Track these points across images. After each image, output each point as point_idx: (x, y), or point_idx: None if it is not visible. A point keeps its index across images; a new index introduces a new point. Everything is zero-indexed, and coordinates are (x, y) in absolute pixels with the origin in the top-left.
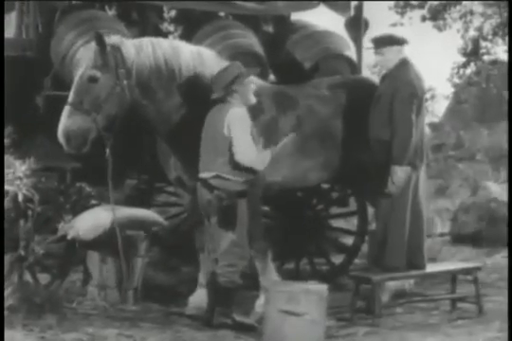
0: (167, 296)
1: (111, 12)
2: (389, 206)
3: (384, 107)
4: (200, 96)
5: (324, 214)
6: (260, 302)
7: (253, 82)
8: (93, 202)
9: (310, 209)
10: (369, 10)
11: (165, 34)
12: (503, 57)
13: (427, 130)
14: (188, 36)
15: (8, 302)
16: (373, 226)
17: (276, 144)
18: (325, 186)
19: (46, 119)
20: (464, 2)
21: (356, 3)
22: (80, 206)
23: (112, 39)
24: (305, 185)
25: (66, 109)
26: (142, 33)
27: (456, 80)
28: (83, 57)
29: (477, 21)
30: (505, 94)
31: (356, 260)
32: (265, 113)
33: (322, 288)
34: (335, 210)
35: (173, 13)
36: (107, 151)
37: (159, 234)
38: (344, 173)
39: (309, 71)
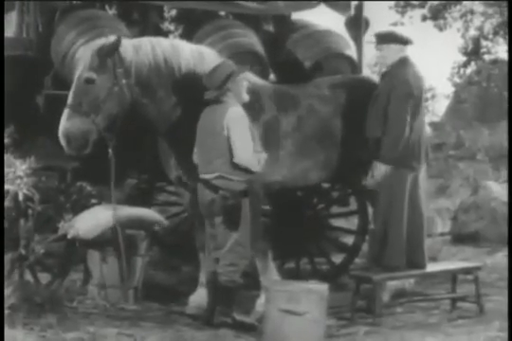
0: (167, 296)
1: (111, 12)
2: (386, 205)
3: (380, 105)
4: (200, 95)
5: (325, 213)
6: (260, 301)
7: (247, 80)
8: (93, 201)
9: (310, 209)
10: (369, 10)
11: (166, 33)
12: (504, 56)
13: (427, 129)
14: (188, 35)
15: (8, 301)
16: (373, 226)
17: (277, 144)
18: (326, 185)
19: (47, 119)
20: (464, 1)
21: (356, 2)
22: (80, 206)
23: (109, 39)
24: (306, 184)
25: (66, 111)
26: (143, 33)
27: (457, 80)
28: (82, 57)
29: (477, 20)
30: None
31: (357, 260)
32: (266, 112)
33: (323, 287)
34: (335, 210)
35: (173, 13)
36: (110, 151)
37: (160, 233)
38: (345, 173)
39: (310, 70)
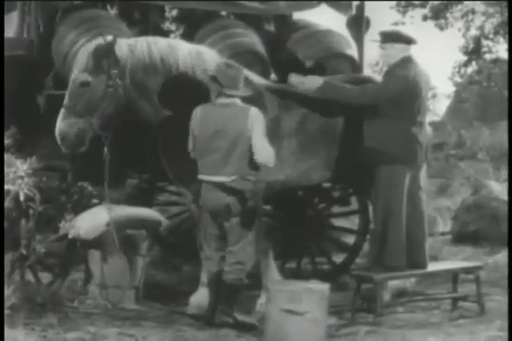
0: (168, 296)
1: (113, 12)
2: (385, 204)
3: (381, 104)
4: (200, 94)
5: (326, 213)
6: (261, 301)
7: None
8: (94, 201)
9: (312, 208)
10: (370, 10)
11: (167, 33)
12: (505, 55)
13: (428, 129)
14: (189, 35)
15: (9, 301)
16: (373, 225)
17: (279, 144)
18: (327, 185)
19: (48, 119)
20: (465, 1)
21: (357, 2)
22: (81, 206)
23: (106, 38)
24: (308, 184)
25: (62, 111)
26: (144, 32)
27: (457, 79)
28: (77, 59)
29: (478, 20)
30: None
31: (358, 260)
32: (269, 112)
33: (324, 287)
34: (336, 209)
35: (174, 13)
36: (105, 149)
37: (161, 233)
38: (347, 172)
39: (311, 70)
